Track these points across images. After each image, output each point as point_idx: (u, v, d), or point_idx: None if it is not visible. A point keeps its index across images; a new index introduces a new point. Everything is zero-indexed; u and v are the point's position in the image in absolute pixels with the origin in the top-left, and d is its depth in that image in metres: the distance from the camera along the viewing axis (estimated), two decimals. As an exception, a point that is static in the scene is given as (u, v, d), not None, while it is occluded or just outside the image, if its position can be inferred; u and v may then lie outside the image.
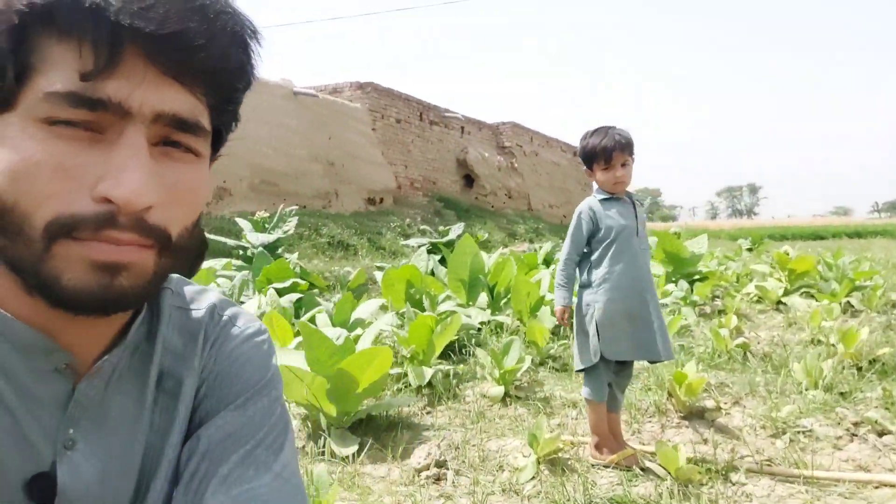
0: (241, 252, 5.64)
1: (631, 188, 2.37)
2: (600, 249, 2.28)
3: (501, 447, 2.51)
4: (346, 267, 6.72)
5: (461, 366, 3.51)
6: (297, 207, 6.37)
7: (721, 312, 5.40)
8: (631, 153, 2.26)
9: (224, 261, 5.29)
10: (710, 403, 2.94)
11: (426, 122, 14.54)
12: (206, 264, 5.26)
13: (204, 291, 0.69)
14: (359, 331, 3.21)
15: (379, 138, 12.69)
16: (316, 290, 4.89)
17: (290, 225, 5.79)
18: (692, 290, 5.73)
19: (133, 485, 0.57)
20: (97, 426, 0.55)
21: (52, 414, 0.52)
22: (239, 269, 5.06)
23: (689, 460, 2.18)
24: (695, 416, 2.82)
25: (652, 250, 6.08)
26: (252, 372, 0.64)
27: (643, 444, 2.52)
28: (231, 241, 5.78)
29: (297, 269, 4.94)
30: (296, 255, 5.37)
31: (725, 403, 2.97)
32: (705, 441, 2.55)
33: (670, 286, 5.77)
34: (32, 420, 0.51)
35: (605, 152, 2.22)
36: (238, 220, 6.23)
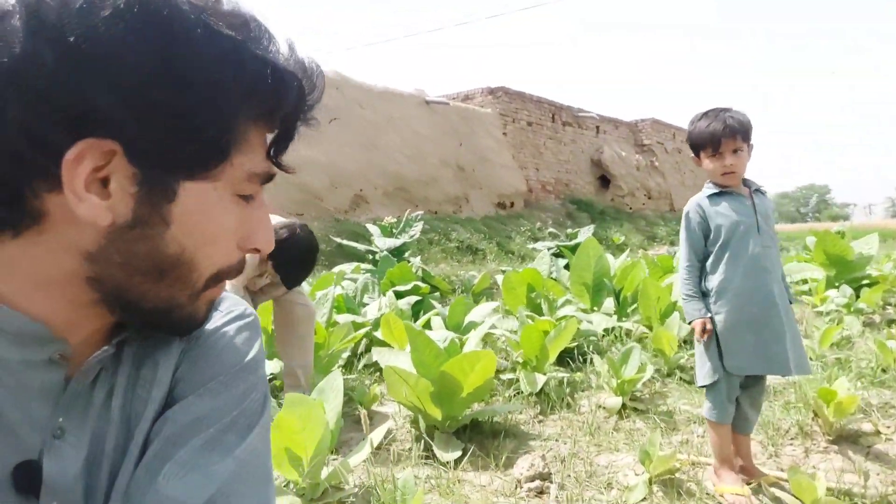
0: (370, 256, 5.84)
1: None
2: (714, 252, 2.01)
3: (612, 462, 2.33)
4: (472, 271, 6.72)
5: (578, 374, 3.34)
6: (422, 212, 6.49)
7: (893, 322, 4.70)
8: (746, 139, 1.97)
9: (354, 265, 5.51)
10: (867, 427, 2.53)
11: (559, 122, 14.26)
12: (337, 268, 5.51)
13: None
14: (472, 334, 3.16)
15: (510, 142, 12.65)
16: (438, 294, 4.92)
17: (416, 229, 5.90)
18: (857, 297, 5.04)
19: (108, 473, 0.56)
20: (84, 416, 0.55)
21: (42, 404, 0.52)
22: (368, 272, 5.23)
23: (830, 491, 1.88)
24: (846, 440, 2.45)
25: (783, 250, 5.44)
26: (229, 355, 0.63)
27: (782, 470, 2.22)
28: (361, 246, 6.01)
29: (419, 273, 5.01)
30: (419, 258, 5.45)
31: (888, 427, 2.54)
32: (856, 471, 2.19)
33: (831, 292, 5.13)
34: (19, 409, 0.51)
35: (713, 138, 1.96)
36: (369, 225, 6.47)
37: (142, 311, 0.54)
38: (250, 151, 0.53)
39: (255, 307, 3.00)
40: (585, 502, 2.03)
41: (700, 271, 2.07)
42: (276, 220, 2.79)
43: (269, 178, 0.56)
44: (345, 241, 6.56)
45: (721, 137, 1.95)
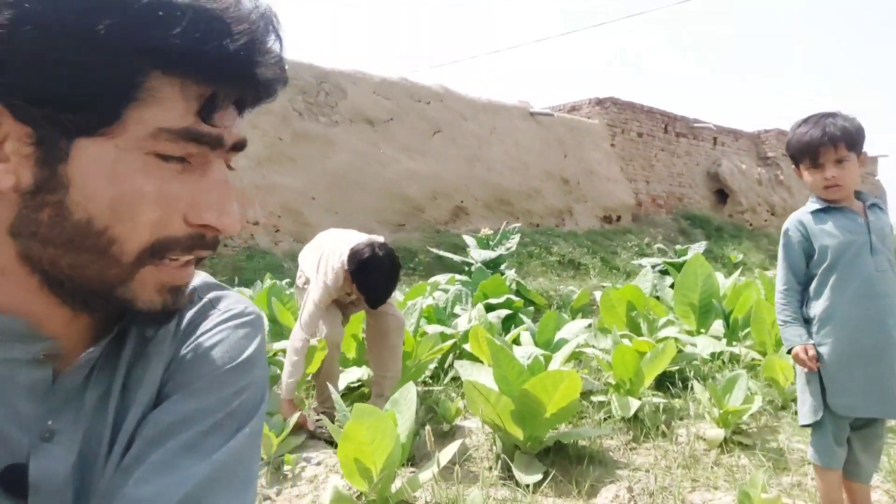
0: (466, 268, 5.82)
1: None
2: (818, 276, 1.76)
3: (708, 501, 2.13)
4: (572, 287, 6.52)
5: (677, 400, 3.10)
6: (520, 224, 6.38)
7: None
8: (852, 147, 1.71)
9: (449, 276, 5.50)
10: None
11: (672, 133, 13.63)
12: (432, 279, 5.53)
13: (194, 276, 0.64)
14: (559, 352, 3.03)
15: (618, 154, 12.24)
16: (532, 309, 4.80)
17: (513, 242, 5.80)
18: None
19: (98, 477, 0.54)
20: (76, 418, 0.53)
21: (30, 404, 0.51)
22: (462, 283, 5.20)
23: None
24: None
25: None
26: (220, 354, 0.58)
27: (913, 527, 1.92)
28: (457, 257, 6.00)
29: (513, 286, 4.91)
30: (513, 271, 5.35)
31: None
32: None
33: None
34: (6, 408, 0.50)
35: (810, 147, 1.72)
36: (465, 237, 6.46)
37: (79, 293, 0.50)
38: (162, 106, 0.46)
39: (347, 318, 3.05)
40: (674, 543, 1.86)
41: (801, 295, 1.83)
42: (355, 237, 2.81)
43: (195, 136, 0.48)
44: (441, 252, 6.58)
45: (819, 146, 1.71)
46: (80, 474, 0.53)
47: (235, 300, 0.64)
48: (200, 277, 0.65)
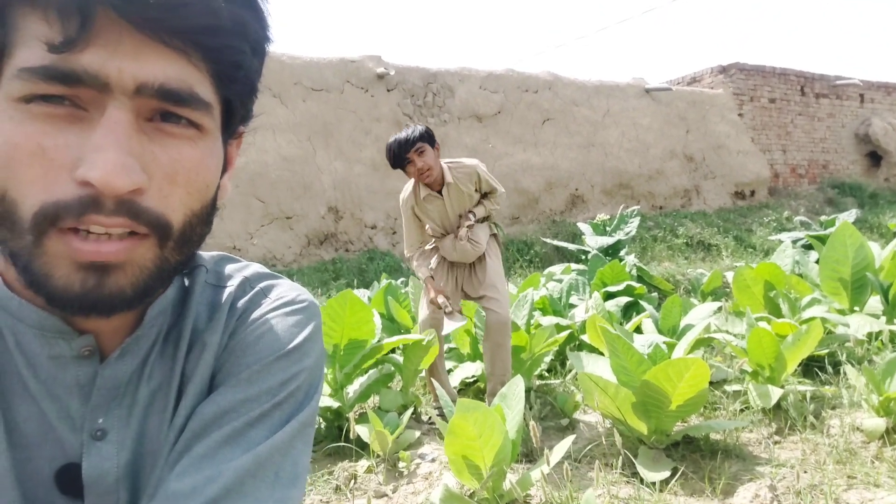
0: (582, 256, 5.61)
1: None
2: None
3: (867, 501, 1.85)
4: (701, 269, 6.08)
5: (827, 387, 2.76)
6: (638, 207, 6.03)
7: None
8: None
9: (565, 265, 5.33)
10: None
11: (810, 96, 12.37)
12: (547, 270, 5.39)
13: (245, 267, 0.63)
14: (684, 339, 2.80)
15: (748, 124, 11.30)
16: (656, 295, 4.52)
17: (632, 226, 5.51)
18: None
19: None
20: (127, 414, 0.53)
21: (79, 401, 0.51)
22: (579, 273, 5.02)
23: None
24: None
25: None
26: (268, 343, 0.56)
27: None
28: (573, 246, 5.79)
29: (633, 272, 4.65)
30: (632, 257, 5.06)
31: None
32: None
33: None
34: (59, 408, 0.50)
35: None
36: (580, 224, 6.23)
37: (18, 272, 0.45)
38: (27, 45, 0.41)
39: (459, 288, 2.96)
40: (827, 549, 1.63)
41: None
42: None
43: (60, 75, 0.41)
44: (556, 242, 6.39)
45: None
46: (135, 472, 0.53)
47: (288, 287, 0.62)
48: (255, 267, 0.63)
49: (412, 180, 2.84)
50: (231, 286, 0.60)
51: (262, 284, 0.61)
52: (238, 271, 0.62)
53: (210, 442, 0.50)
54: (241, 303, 0.59)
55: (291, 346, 0.56)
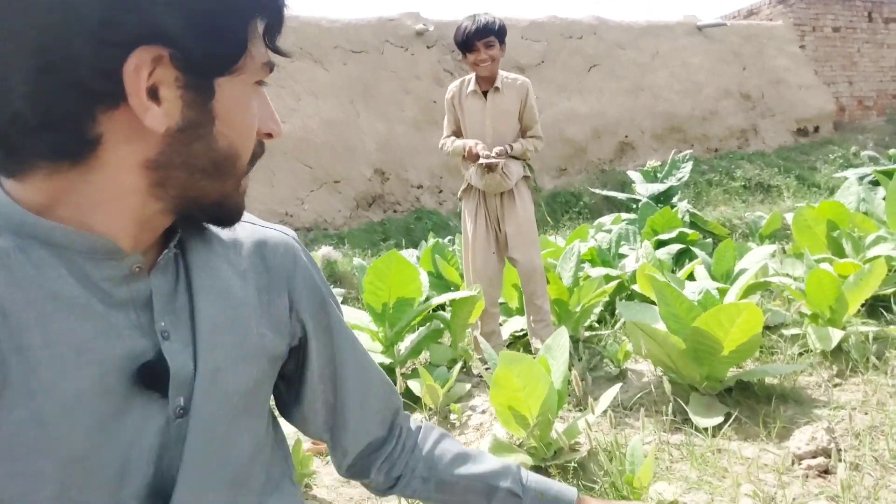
0: (633, 205, 5.48)
1: None
2: None
3: (933, 442, 1.79)
4: (760, 212, 5.86)
5: (892, 328, 2.65)
6: (691, 152, 5.80)
7: None
8: None
9: (615, 215, 5.22)
10: None
11: (878, 21, 11.51)
12: (597, 221, 5.30)
13: None
14: (736, 284, 2.72)
15: (810, 56, 10.64)
16: (710, 241, 4.39)
17: (685, 171, 5.32)
18: None
19: (207, 370, 0.62)
20: (175, 317, 0.61)
21: (139, 311, 0.59)
22: (629, 223, 4.92)
23: None
24: None
25: None
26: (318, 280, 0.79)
27: None
28: (623, 195, 5.66)
29: (686, 218, 4.52)
30: (685, 202, 4.90)
31: None
32: None
33: None
34: (124, 318, 0.57)
35: None
36: (630, 172, 6.07)
37: (200, 208, 0.61)
38: (258, 42, 0.59)
39: (501, 257, 2.95)
40: (886, 490, 1.59)
41: None
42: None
43: (272, 65, 0.61)
44: (606, 192, 6.26)
45: None
46: (195, 364, 0.61)
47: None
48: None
49: (461, 79, 2.83)
50: (271, 228, 0.77)
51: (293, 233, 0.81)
52: None
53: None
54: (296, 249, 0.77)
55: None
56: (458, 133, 2.87)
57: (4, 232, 0.52)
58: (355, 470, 0.83)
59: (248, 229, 0.73)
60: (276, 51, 0.61)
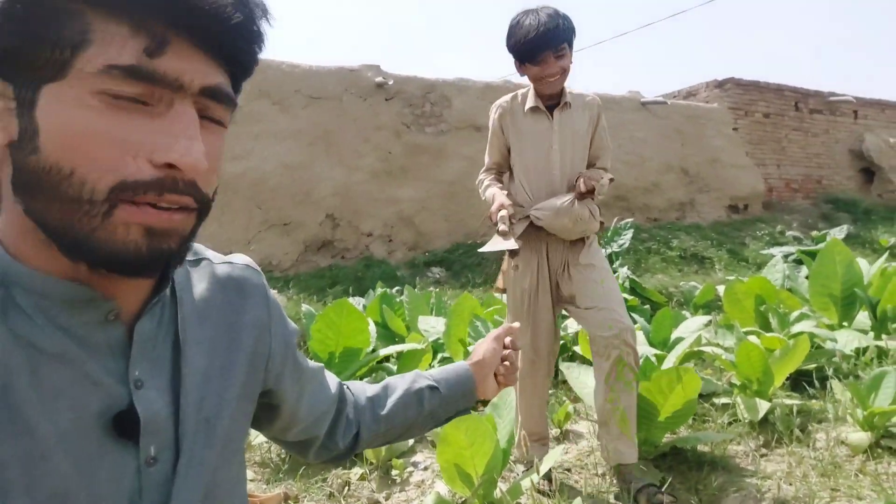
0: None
1: None
2: None
3: (850, 514, 1.90)
4: (694, 282, 6.14)
5: (814, 402, 2.81)
6: (632, 220, 6.09)
7: None
8: None
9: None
10: None
11: (804, 111, 12.49)
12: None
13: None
14: (673, 352, 2.85)
15: (743, 138, 11.41)
16: (648, 307, 4.57)
17: (626, 238, 5.57)
18: None
19: (197, 419, 0.63)
20: (152, 365, 0.61)
21: (115, 358, 0.59)
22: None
23: None
24: None
25: None
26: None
27: None
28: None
29: (626, 284, 4.70)
30: (625, 269, 5.11)
31: None
32: None
33: None
34: (99, 366, 0.57)
35: None
36: (576, 236, 6.28)
37: (58, 240, 0.52)
38: (111, 45, 0.49)
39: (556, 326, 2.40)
40: (808, 560, 1.68)
41: None
42: None
43: (146, 75, 0.50)
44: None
45: None
46: (175, 412, 0.61)
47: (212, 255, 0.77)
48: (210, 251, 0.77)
49: (511, 94, 2.25)
50: (231, 264, 0.76)
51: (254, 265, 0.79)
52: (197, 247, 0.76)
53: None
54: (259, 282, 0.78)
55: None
56: (502, 164, 2.30)
57: None
58: (324, 450, 0.90)
59: (226, 269, 0.73)
60: (157, 60, 0.50)
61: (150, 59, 0.50)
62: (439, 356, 3.26)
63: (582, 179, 2.11)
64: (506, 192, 2.18)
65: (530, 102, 2.17)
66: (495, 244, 1.99)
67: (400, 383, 0.95)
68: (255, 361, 0.72)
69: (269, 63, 6.96)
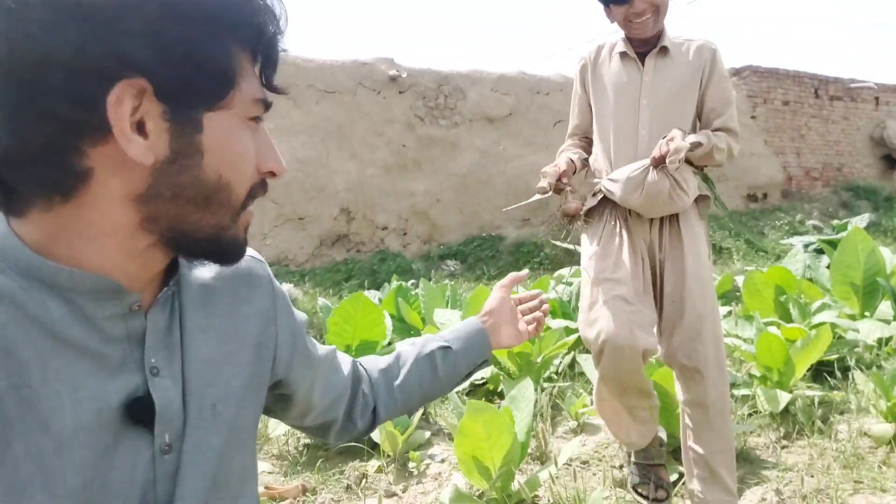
0: (594, 259, 5.62)
1: None
2: None
3: (874, 506, 1.87)
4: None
5: (836, 393, 2.77)
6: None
7: None
8: None
9: (575, 268, 5.34)
10: None
11: (824, 98, 12.28)
12: (557, 273, 5.40)
13: None
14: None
15: (761, 126, 11.25)
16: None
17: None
18: None
19: (202, 405, 0.65)
20: (167, 353, 0.63)
21: (134, 347, 0.61)
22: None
23: None
24: None
25: None
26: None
27: None
28: (580, 248, 5.81)
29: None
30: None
31: None
32: None
33: None
34: (119, 355, 0.59)
35: None
36: (592, 227, 6.23)
37: (195, 242, 0.60)
38: (249, 77, 0.59)
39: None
40: (831, 553, 1.65)
41: None
42: None
43: (267, 103, 0.62)
44: (567, 245, 6.41)
45: None
46: (186, 400, 0.63)
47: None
48: None
49: (598, 44, 1.91)
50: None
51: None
52: None
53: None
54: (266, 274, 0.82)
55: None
56: (587, 128, 1.96)
57: (11, 272, 0.54)
58: (344, 431, 0.92)
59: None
60: (273, 89, 0.63)
61: (266, 88, 0.62)
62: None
63: (664, 141, 1.64)
64: (583, 158, 1.87)
65: (620, 47, 1.81)
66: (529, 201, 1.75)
67: (411, 350, 0.96)
68: (262, 352, 0.73)
69: (283, 58, 6.92)
